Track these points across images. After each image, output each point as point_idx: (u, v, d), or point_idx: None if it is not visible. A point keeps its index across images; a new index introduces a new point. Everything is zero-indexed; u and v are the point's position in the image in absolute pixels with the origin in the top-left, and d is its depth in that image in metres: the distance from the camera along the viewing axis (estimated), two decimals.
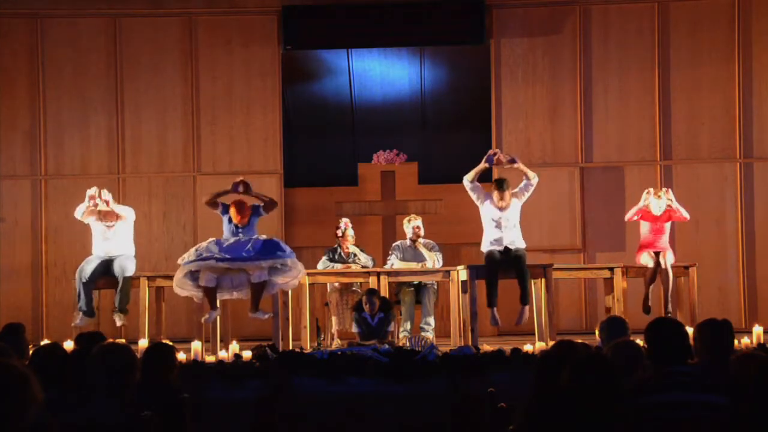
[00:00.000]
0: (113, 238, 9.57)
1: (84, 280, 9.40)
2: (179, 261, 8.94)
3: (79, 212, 9.62)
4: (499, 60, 11.50)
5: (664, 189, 9.94)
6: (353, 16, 11.38)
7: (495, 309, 9.17)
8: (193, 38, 11.53)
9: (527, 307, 9.20)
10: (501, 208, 9.33)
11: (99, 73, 11.48)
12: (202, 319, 8.86)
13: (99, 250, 9.57)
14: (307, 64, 11.97)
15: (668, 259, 9.52)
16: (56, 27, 11.49)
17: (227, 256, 8.68)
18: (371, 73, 12.07)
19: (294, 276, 8.82)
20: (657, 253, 9.57)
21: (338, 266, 9.83)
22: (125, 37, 11.49)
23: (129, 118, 11.48)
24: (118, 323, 9.51)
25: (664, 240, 9.69)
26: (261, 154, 11.51)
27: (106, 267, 9.53)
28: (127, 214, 9.68)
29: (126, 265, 9.52)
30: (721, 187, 11.33)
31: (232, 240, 8.87)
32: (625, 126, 11.43)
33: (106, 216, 9.58)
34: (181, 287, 8.84)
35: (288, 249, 8.87)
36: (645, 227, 9.72)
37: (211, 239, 8.98)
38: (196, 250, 8.83)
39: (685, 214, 9.71)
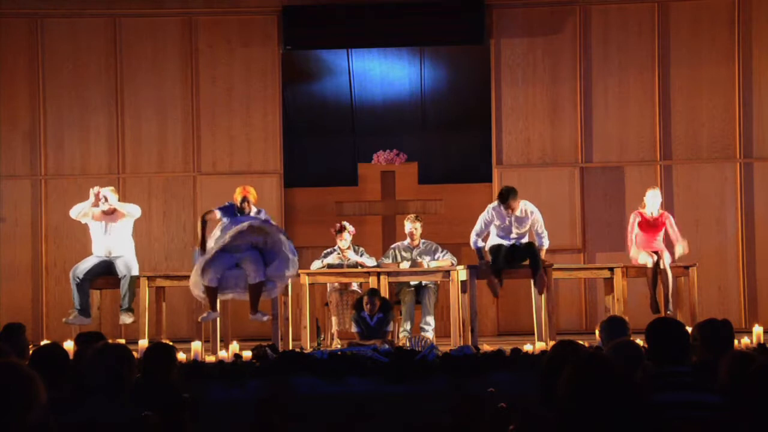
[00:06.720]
0: (113, 233, 9.46)
1: (77, 281, 9.31)
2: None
3: (75, 211, 9.48)
4: (499, 60, 11.49)
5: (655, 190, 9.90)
6: (353, 16, 11.37)
7: (498, 280, 9.16)
8: (193, 38, 11.52)
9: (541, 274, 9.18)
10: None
11: (99, 72, 11.47)
12: (199, 318, 8.84)
13: (99, 249, 9.47)
14: (307, 64, 11.97)
15: (666, 259, 9.54)
16: (56, 27, 11.49)
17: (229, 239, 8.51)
18: (371, 73, 12.06)
19: (291, 274, 8.75)
20: (655, 253, 9.59)
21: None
22: (125, 37, 11.49)
23: (129, 118, 11.48)
24: (128, 321, 9.41)
25: (659, 242, 9.73)
26: (261, 154, 11.50)
27: (106, 267, 9.44)
28: (133, 211, 9.58)
29: (131, 265, 9.47)
30: (721, 187, 11.32)
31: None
32: (625, 126, 11.42)
33: (110, 216, 9.50)
34: (195, 286, 8.70)
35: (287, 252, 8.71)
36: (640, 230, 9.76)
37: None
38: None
39: (677, 239, 9.73)
